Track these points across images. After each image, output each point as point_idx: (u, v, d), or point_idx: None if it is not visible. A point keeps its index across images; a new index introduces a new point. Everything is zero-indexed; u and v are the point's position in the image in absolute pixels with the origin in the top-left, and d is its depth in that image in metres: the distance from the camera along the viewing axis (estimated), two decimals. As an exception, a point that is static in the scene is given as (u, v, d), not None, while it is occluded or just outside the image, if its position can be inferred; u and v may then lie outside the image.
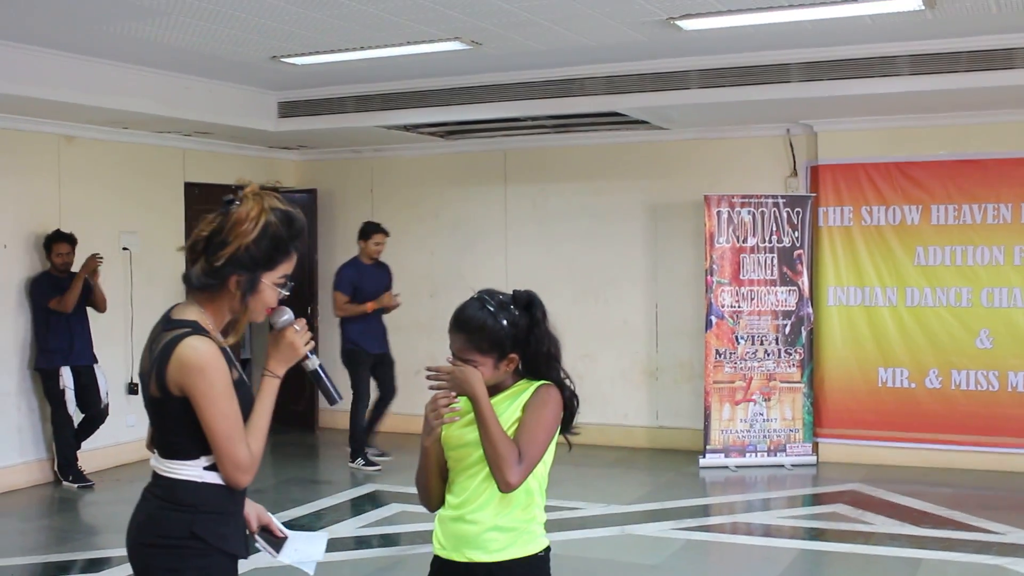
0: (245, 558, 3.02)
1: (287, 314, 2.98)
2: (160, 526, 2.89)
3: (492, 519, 3.01)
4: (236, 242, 2.85)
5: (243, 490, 2.97)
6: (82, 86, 7.89)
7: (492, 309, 3.04)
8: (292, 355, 2.95)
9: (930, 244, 9.04)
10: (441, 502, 3.14)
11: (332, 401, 3.09)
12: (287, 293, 2.98)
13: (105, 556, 6.72)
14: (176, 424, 2.86)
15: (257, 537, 3.19)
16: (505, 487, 2.93)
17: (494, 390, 3.06)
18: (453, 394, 3.00)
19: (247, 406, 2.91)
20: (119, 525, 7.71)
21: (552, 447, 3.07)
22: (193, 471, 2.88)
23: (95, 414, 8.76)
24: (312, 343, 3.01)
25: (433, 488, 3.15)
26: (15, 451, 8.62)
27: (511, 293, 3.15)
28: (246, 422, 2.89)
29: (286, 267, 2.94)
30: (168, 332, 2.87)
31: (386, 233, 9.42)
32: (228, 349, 2.92)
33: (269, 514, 3.22)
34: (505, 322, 3.03)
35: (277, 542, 3.20)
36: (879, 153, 9.19)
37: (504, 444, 2.92)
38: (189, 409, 2.81)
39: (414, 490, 3.24)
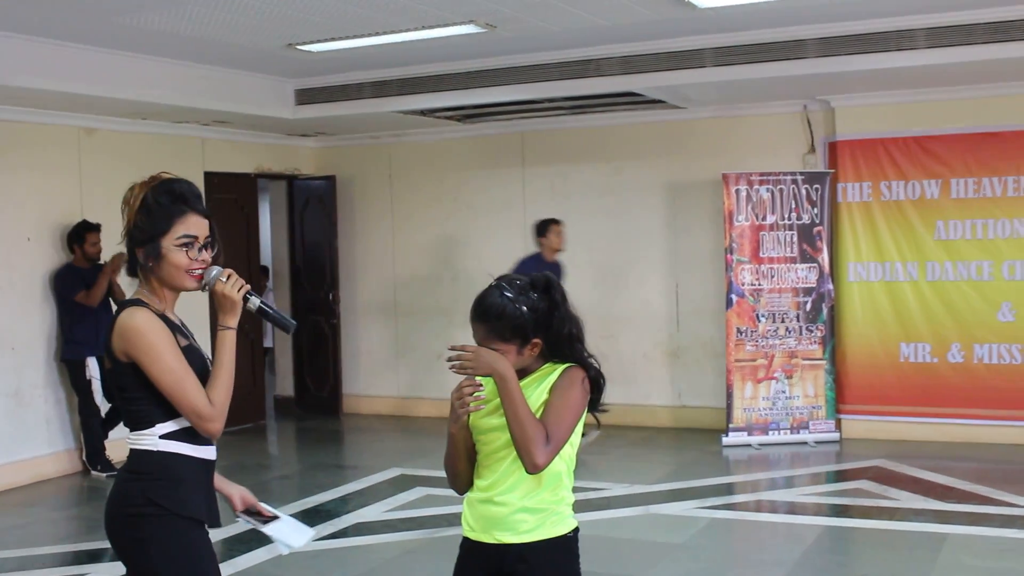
0: (214, 526, 3.14)
1: (214, 271, 3.13)
2: (123, 498, 3.08)
3: (521, 501, 3.03)
4: (127, 220, 3.11)
5: (208, 461, 3.14)
6: (100, 78, 7.93)
7: (511, 295, 3.04)
8: (230, 304, 3.11)
9: (950, 218, 9.00)
10: (469, 485, 3.16)
11: (287, 330, 3.28)
12: (205, 254, 3.13)
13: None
14: (130, 392, 3.06)
15: (240, 515, 3.34)
16: (532, 468, 2.94)
17: (520, 375, 3.07)
18: (479, 381, 3.01)
19: (198, 369, 3.08)
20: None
21: (579, 428, 3.08)
22: (149, 440, 3.06)
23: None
24: (245, 286, 3.14)
25: (461, 472, 3.17)
26: (43, 442, 8.70)
27: (528, 278, 3.16)
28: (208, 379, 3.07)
29: (183, 227, 3.09)
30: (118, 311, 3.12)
31: (561, 222, 9.38)
32: (174, 321, 3.14)
33: (253, 496, 3.36)
34: (525, 308, 3.03)
35: (264, 520, 3.33)
36: (897, 127, 9.15)
37: (532, 425, 2.93)
38: (138, 374, 3.02)
39: (439, 473, 3.27)
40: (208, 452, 3.14)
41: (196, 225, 3.10)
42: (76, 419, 8.82)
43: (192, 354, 3.10)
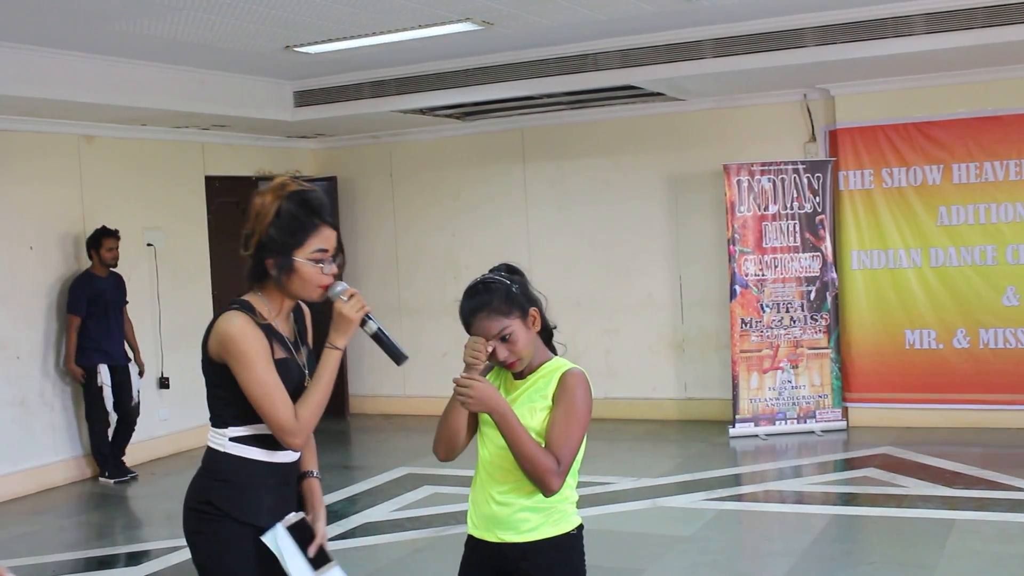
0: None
1: (339, 286, 3.10)
2: (192, 490, 3.15)
3: (523, 500, 3.04)
4: (258, 231, 3.06)
5: (280, 465, 3.13)
6: (99, 85, 7.94)
7: (487, 278, 3.10)
8: (346, 324, 3.07)
9: (953, 203, 8.98)
10: (449, 456, 3.14)
11: (398, 361, 3.16)
12: (334, 267, 3.10)
13: (144, 549, 6.81)
14: (213, 389, 3.11)
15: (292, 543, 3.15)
16: (548, 494, 2.98)
17: (528, 369, 3.10)
18: (484, 341, 3.03)
19: (292, 383, 3.07)
20: (157, 518, 7.79)
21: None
22: (220, 440, 3.11)
23: (128, 412, 8.83)
24: (366, 308, 3.09)
25: (452, 440, 3.12)
26: (50, 450, 8.70)
27: (489, 270, 3.18)
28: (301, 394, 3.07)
29: (317, 241, 3.07)
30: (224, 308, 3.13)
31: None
32: (278, 332, 3.12)
33: (325, 535, 3.23)
34: (507, 282, 3.08)
35: (318, 560, 3.16)
36: (897, 114, 9.13)
37: (539, 458, 2.94)
38: (224, 375, 3.04)
39: (446, 472, 3.29)
40: (283, 456, 3.14)
41: (328, 239, 3.09)
42: (84, 426, 8.83)
43: (288, 367, 3.09)
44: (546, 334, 3.19)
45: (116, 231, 8.75)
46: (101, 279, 8.68)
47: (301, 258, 3.05)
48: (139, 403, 8.94)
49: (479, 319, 3.05)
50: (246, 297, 3.15)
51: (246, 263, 3.14)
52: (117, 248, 8.71)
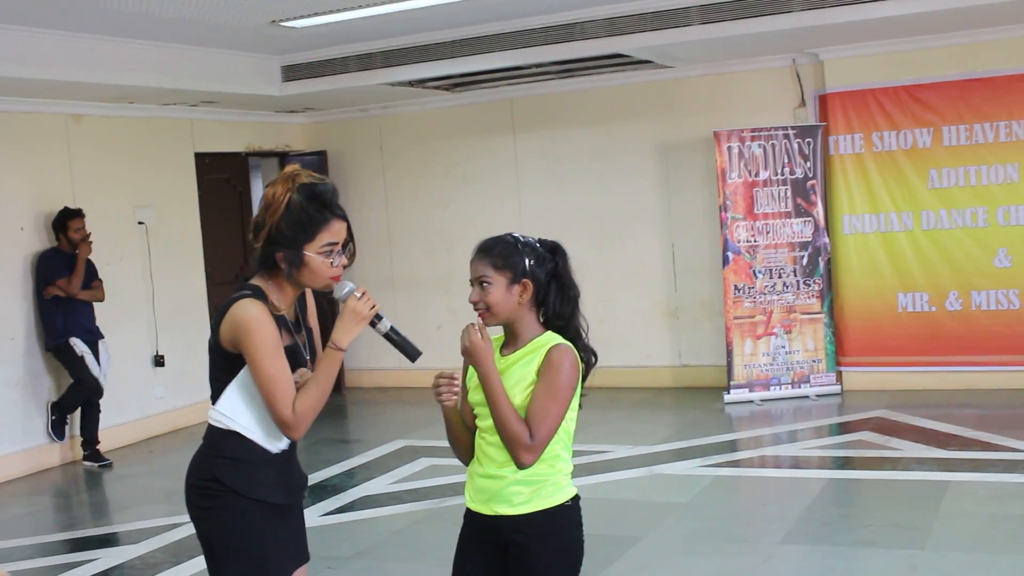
0: (284, 503, 3.20)
1: (348, 286, 3.11)
2: (195, 468, 3.18)
3: (515, 474, 3.07)
4: (269, 222, 3.07)
5: (283, 446, 3.20)
6: (86, 64, 7.90)
7: (515, 236, 3.16)
8: (355, 323, 3.08)
9: (943, 166, 8.98)
10: (471, 454, 3.22)
11: (412, 358, 3.18)
12: (344, 261, 3.13)
13: (144, 527, 6.83)
14: (218, 372, 3.14)
15: None
16: (519, 466, 3.03)
17: (514, 339, 3.14)
18: (452, 374, 3.10)
19: (295, 368, 3.12)
20: (155, 496, 7.81)
21: (574, 403, 3.12)
22: (222, 418, 3.14)
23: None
24: (377, 307, 3.11)
25: (460, 444, 3.25)
26: (45, 430, 8.67)
27: (536, 238, 3.23)
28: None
29: (327, 235, 3.09)
30: (234, 293, 3.11)
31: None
32: (285, 317, 3.16)
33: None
34: (526, 249, 3.12)
35: None
36: (887, 77, 9.11)
37: (513, 425, 3.00)
38: (231, 363, 3.08)
39: (443, 444, 3.34)
40: (277, 444, 3.20)
41: (338, 231, 3.11)
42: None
43: (293, 354, 3.13)
44: (572, 313, 3.18)
45: (79, 210, 8.64)
46: (71, 256, 8.56)
47: (311, 252, 3.07)
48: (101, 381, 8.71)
49: (476, 257, 3.14)
50: (256, 282, 3.14)
51: (255, 251, 3.15)
52: (84, 227, 8.59)
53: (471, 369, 3.13)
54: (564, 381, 3.03)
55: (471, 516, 3.19)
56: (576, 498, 3.16)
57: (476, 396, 3.12)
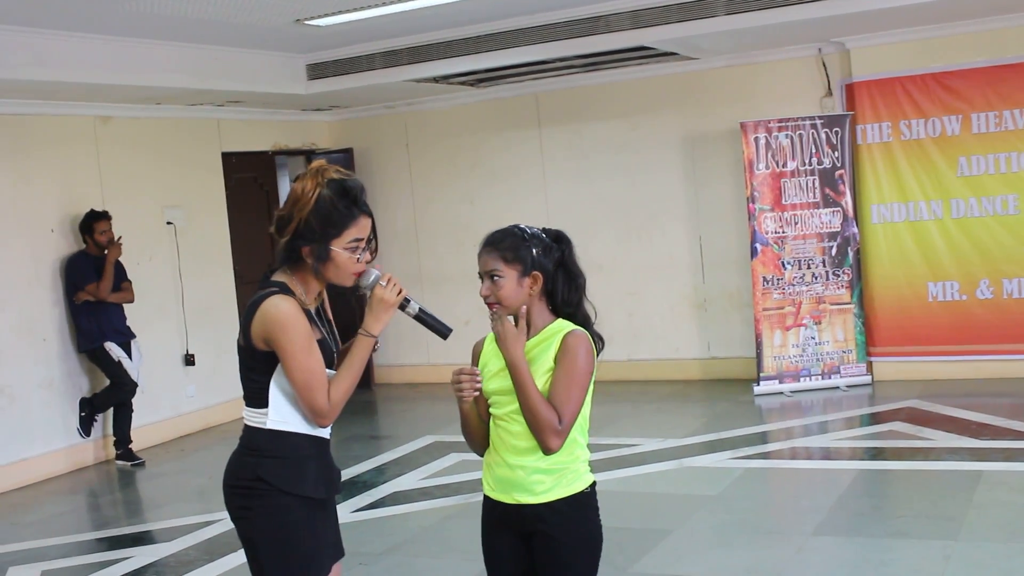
0: (325, 497, 3.23)
1: (373, 274, 3.15)
2: (236, 470, 3.19)
3: (536, 463, 3.11)
4: (297, 217, 3.08)
5: (320, 440, 3.22)
6: (113, 66, 7.95)
7: (522, 227, 3.19)
8: (384, 310, 3.14)
9: (972, 154, 8.90)
10: (486, 445, 3.26)
11: (443, 336, 3.24)
12: (369, 256, 3.16)
13: (177, 525, 6.87)
14: (253, 372, 3.15)
15: None
16: (547, 451, 3.06)
17: (531, 333, 3.15)
18: (473, 369, 3.14)
19: (327, 363, 3.14)
20: (189, 494, 7.85)
21: (590, 389, 3.15)
22: (261, 418, 3.15)
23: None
24: (403, 292, 3.16)
25: (475, 435, 3.29)
26: (75, 433, 8.73)
27: (541, 228, 3.26)
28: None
29: (354, 231, 3.11)
30: (260, 291, 3.13)
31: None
32: (311, 311, 3.17)
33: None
34: (534, 240, 3.14)
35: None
36: (914, 65, 9.04)
37: (544, 411, 3.02)
38: (264, 362, 3.10)
39: (473, 439, 3.34)
40: (321, 432, 3.22)
41: (364, 228, 3.14)
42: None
43: (323, 347, 3.16)
44: (571, 312, 3.20)
45: (106, 212, 8.70)
46: (98, 258, 8.63)
47: (338, 247, 3.09)
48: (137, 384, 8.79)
49: (484, 251, 3.17)
50: (280, 278, 3.16)
51: (279, 245, 3.16)
52: (110, 230, 8.64)
53: (482, 359, 3.22)
54: (582, 366, 3.07)
55: (491, 505, 3.23)
56: (594, 484, 3.20)
57: (491, 385, 3.17)
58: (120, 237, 8.69)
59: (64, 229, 8.78)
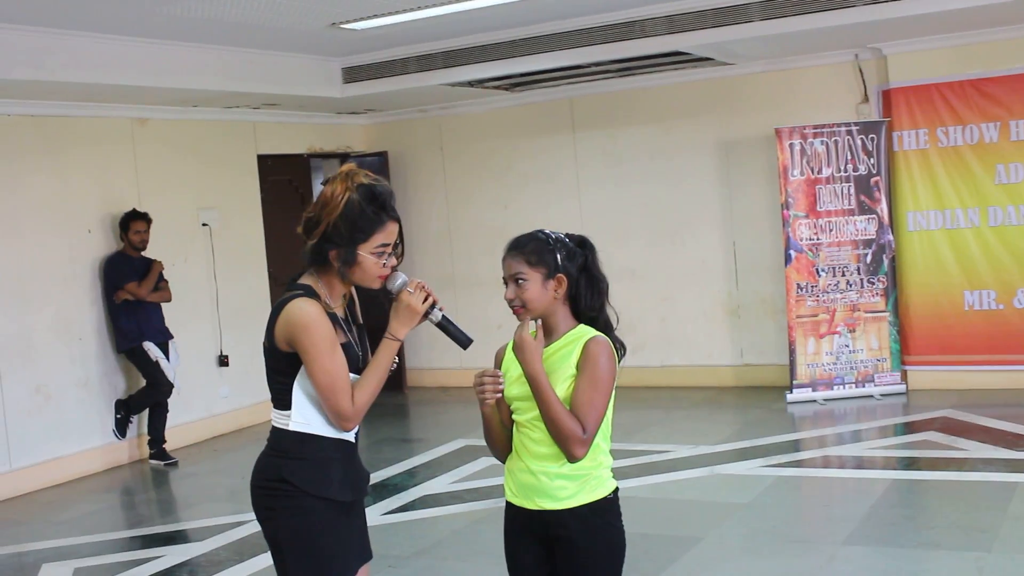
0: (351, 499, 3.23)
1: (400, 278, 3.17)
2: (262, 470, 3.21)
3: (558, 468, 3.11)
4: (326, 220, 3.10)
5: (346, 443, 3.23)
6: (150, 68, 8.02)
7: (546, 232, 3.20)
8: (410, 315, 3.14)
9: (1011, 161, 8.81)
10: (508, 451, 3.27)
11: (464, 346, 3.24)
12: (395, 261, 3.17)
13: (209, 525, 6.92)
14: (277, 374, 3.17)
15: None
16: (572, 460, 3.06)
17: (549, 333, 3.17)
18: (496, 371, 3.15)
19: (351, 365, 3.15)
20: (220, 494, 7.90)
21: (612, 395, 3.15)
22: (285, 420, 3.17)
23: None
24: (431, 299, 3.17)
25: (499, 441, 3.29)
26: (110, 432, 8.81)
27: (564, 233, 3.28)
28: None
29: (382, 236, 3.13)
30: (286, 293, 3.15)
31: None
32: (336, 314, 3.18)
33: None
34: (558, 244, 3.16)
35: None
36: (952, 71, 8.97)
37: (566, 421, 3.02)
38: (288, 363, 3.12)
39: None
40: (346, 435, 3.23)
41: (392, 233, 3.15)
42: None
43: (348, 350, 3.17)
44: (593, 317, 3.21)
45: (145, 214, 8.76)
46: (136, 260, 8.72)
47: (365, 252, 3.10)
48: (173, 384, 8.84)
49: (508, 255, 3.19)
50: (306, 280, 3.18)
51: (306, 246, 3.18)
52: (146, 231, 8.71)
53: (504, 363, 3.23)
54: (604, 372, 3.07)
55: (514, 511, 3.23)
56: (616, 490, 3.20)
57: (513, 391, 3.17)
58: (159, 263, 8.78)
59: (101, 229, 8.87)
